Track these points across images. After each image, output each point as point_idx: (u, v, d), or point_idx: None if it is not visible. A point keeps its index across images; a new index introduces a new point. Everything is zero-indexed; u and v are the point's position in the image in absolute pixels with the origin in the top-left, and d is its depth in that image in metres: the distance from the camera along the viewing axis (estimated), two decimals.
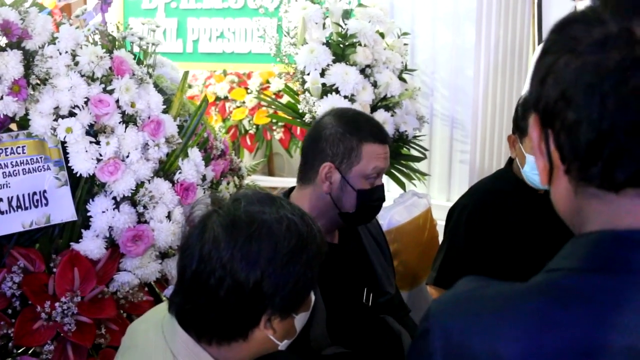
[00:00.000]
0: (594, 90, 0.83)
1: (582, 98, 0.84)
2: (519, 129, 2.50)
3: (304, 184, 2.24)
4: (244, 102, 5.04)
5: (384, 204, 3.18)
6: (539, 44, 4.43)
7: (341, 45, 3.14)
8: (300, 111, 3.13)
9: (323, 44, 3.11)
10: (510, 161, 2.67)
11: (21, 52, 1.96)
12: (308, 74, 3.04)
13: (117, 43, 2.27)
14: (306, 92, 3.06)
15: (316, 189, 2.20)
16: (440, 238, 3.08)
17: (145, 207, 2.10)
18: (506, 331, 0.86)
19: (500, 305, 0.89)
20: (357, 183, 2.17)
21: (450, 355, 0.90)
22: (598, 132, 0.83)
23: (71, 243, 2.04)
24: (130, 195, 2.09)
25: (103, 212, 2.05)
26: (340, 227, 2.29)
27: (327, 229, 2.18)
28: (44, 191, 2.05)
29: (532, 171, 2.48)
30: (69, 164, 2.05)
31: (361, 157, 2.16)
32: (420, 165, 3.53)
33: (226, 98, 5.08)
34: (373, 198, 2.22)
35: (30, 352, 1.95)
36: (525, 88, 3.72)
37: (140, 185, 2.11)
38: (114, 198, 2.08)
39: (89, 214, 2.06)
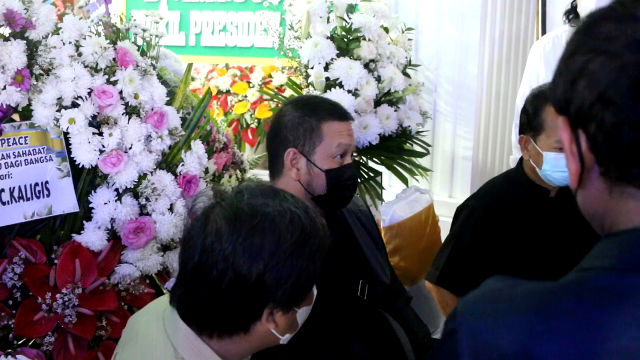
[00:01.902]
0: (637, 91, 0.81)
1: (624, 100, 0.82)
2: (532, 127, 2.44)
3: (275, 177, 2.25)
4: (246, 96, 5.02)
5: (387, 199, 3.19)
6: None
7: (345, 40, 3.13)
8: None
9: (327, 38, 3.10)
10: (521, 160, 2.62)
11: (24, 42, 1.96)
12: (312, 68, 3.04)
13: (120, 35, 2.26)
14: (310, 86, 3.06)
15: (286, 179, 2.21)
16: (442, 234, 3.07)
17: (147, 199, 2.10)
18: (540, 331, 0.84)
19: (532, 304, 0.87)
20: (324, 164, 2.17)
21: (478, 355, 0.88)
22: None
23: (73, 234, 2.04)
24: (132, 187, 2.09)
25: (105, 203, 2.05)
26: (323, 214, 2.26)
27: None
28: (46, 182, 2.04)
29: (552, 169, 2.40)
30: (72, 155, 2.04)
31: (322, 136, 2.17)
32: (422, 161, 3.52)
33: (228, 92, 5.06)
34: (343, 177, 2.20)
35: (30, 343, 1.95)
36: (523, 85, 3.71)
37: (142, 177, 2.11)
38: (116, 190, 2.07)
39: (90, 205, 2.06)
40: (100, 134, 2.05)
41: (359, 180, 2.92)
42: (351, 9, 3.20)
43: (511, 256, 2.50)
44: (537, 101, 2.45)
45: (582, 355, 0.81)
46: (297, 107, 2.24)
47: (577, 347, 0.81)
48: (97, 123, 2.06)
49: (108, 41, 2.11)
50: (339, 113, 2.23)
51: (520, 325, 0.86)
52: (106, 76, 2.07)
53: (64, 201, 2.06)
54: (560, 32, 3.62)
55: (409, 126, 3.24)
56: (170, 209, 2.15)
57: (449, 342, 0.92)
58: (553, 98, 0.92)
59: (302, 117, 2.19)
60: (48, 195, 2.04)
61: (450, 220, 2.75)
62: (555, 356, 0.82)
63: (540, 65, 3.64)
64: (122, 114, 2.09)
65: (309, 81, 3.07)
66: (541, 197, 2.55)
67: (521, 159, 2.61)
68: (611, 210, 0.90)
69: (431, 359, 1.01)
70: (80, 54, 2.05)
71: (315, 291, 1.55)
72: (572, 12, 3.52)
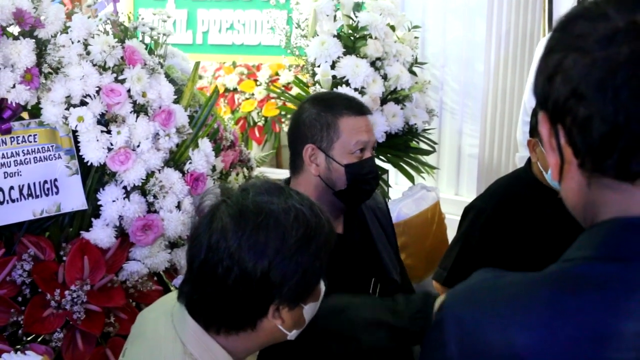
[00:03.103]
0: (606, 85, 0.84)
1: (594, 94, 0.85)
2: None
3: (295, 173, 2.25)
4: (253, 94, 5.03)
5: (393, 197, 3.19)
6: None
7: (352, 38, 3.14)
8: None
9: (334, 36, 3.10)
10: (530, 161, 2.62)
11: (34, 40, 1.97)
12: (318, 66, 3.04)
13: (128, 33, 2.27)
14: (316, 84, 3.07)
15: (306, 175, 2.20)
16: (449, 231, 3.07)
17: (155, 196, 2.11)
18: (520, 320, 0.87)
19: (514, 294, 0.90)
20: (343, 159, 2.16)
21: (464, 344, 0.91)
22: (612, 125, 0.84)
23: (81, 232, 2.05)
24: (140, 184, 2.10)
25: (113, 201, 2.06)
26: (343, 211, 2.27)
27: (331, 216, 2.18)
28: (55, 180, 2.05)
29: None
30: (80, 153, 2.05)
31: (340, 132, 2.16)
32: (429, 159, 3.52)
33: (235, 90, 5.07)
34: (363, 171, 2.18)
35: (39, 339, 1.96)
36: (530, 82, 3.70)
37: (150, 175, 2.12)
38: (124, 187, 2.08)
39: (99, 202, 2.07)
40: (109, 132, 2.06)
41: None
42: (358, 7, 3.21)
43: (519, 257, 2.49)
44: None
45: (562, 343, 0.84)
46: (314, 103, 2.25)
47: (556, 334, 0.84)
48: (105, 121, 2.07)
49: (116, 40, 2.12)
50: (355, 108, 2.22)
51: (502, 314, 0.89)
52: (114, 74, 2.09)
53: (73, 199, 2.07)
54: None
55: (416, 124, 3.25)
56: (178, 206, 2.15)
57: (437, 331, 0.95)
58: (535, 94, 0.95)
59: (318, 113, 2.19)
60: (57, 193, 2.05)
61: (457, 217, 2.75)
62: (537, 344, 0.85)
63: None
64: (130, 112, 2.10)
65: (315, 79, 3.08)
66: (549, 197, 2.54)
67: (529, 158, 2.61)
68: (591, 202, 0.93)
69: (422, 349, 1.04)
70: (88, 53, 2.06)
71: (323, 288, 1.56)
72: None
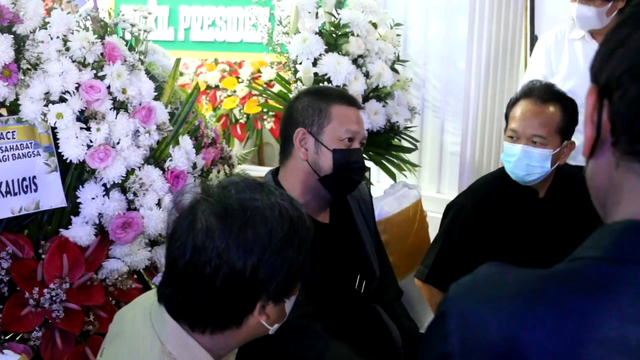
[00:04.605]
0: None
1: None
2: (506, 120, 2.55)
3: (284, 160, 2.28)
4: (234, 91, 5.01)
5: (375, 195, 3.19)
6: (531, 37, 4.43)
7: (334, 35, 3.14)
8: None
9: (316, 33, 3.10)
10: None
11: (12, 36, 1.95)
12: (300, 64, 3.04)
13: (108, 29, 2.25)
14: (298, 81, 3.06)
15: (294, 161, 2.24)
16: (430, 229, 3.08)
17: (135, 194, 2.10)
18: (525, 317, 0.84)
19: (520, 290, 0.88)
20: (332, 144, 2.20)
21: (466, 338, 0.89)
22: None
23: (60, 229, 2.04)
24: (120, 182, 2.09)
25: (93, 198, 2.04)
26: (330, 202, 2.29)
27: (316, 205, 2.20)
28: (34, 177, 2.03)
29: (505, 158, 2.51)
30: (59, 150, 2.04)
31: (331, 118, 2.21)
32: (411, 157, 3.53)
33: (217, 87, 5.06)
34: (350, 159, 2.22)
35: (18, 338, 1.95)
36: (524, 80, 3.72)
37: (130, 172, 2.11)
38: (104, 185, 2.07)
39: (78, 200, 2.06)
40: (88, 128, 2.05)
41: None
42: (340, 4, 3.21)
43: (500, 254, 2.51)
44: (516, 97, 2.56)
45: (566, 343, 0.82)
46: (308, 93, 2.33)
47: (561, 334, 0.82)
48: (84, 118, 2.06)
49: (96, 36, 2.10)
50: (348, 99, 2.29)
51: (507, 310, 0.86)
52: (94, 71, 2.07)
53: (52, 196, 2.06)
54: (564, 28, 3.62)
55: (397, 122, 3.25)
56: (158, 204, 2.15)
57: (439, 324, 0.93)
58: (591, 65, 0.93)
59: (312, 100, 2.25)
60: (36, 190, 2.04)
61: (438, 215, 2.76)
62: (540, 343, 0.83)
63: (541, 60, 3.66)
64: (110, 109, 2.08)
65: (297, 76, 3.08)
66: (530, 197, 2.57)
67: None
68: (615, 185, 0.90)
69: (422, 342, 1.02)
70: (68, 49, 2.05)
71: None
72: None
